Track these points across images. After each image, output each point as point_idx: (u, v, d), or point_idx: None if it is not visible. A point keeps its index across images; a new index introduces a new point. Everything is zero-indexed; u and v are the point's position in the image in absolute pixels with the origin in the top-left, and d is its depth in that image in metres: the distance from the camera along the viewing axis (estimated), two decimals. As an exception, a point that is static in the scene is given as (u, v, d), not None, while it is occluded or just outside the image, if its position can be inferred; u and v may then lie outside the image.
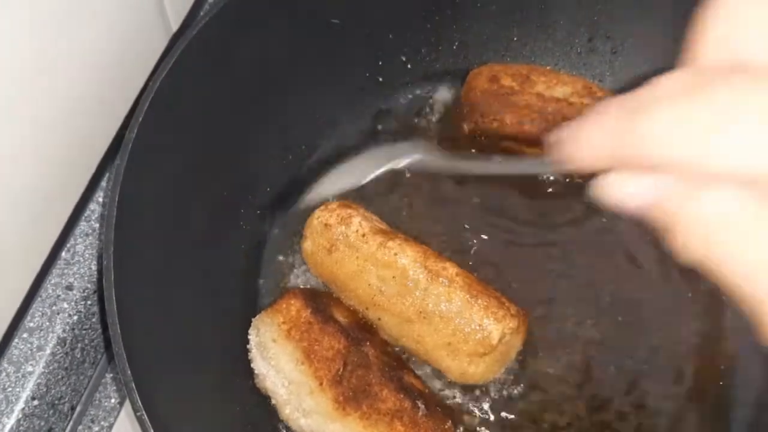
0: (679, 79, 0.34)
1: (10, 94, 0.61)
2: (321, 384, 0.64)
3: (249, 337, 0.70)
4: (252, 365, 0.70)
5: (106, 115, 0.77)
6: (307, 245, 0.77)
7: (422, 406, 0.66)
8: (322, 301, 0.70)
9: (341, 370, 0.65)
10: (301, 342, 0.66)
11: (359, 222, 0.74)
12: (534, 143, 0.81)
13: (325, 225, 0.75)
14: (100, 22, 0.71)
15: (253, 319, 0.71)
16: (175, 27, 0.85)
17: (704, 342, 0.77)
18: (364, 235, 0.73)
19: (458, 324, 0.69)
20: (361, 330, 0.70)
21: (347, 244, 0.74)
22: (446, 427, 0.68)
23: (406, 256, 0.71)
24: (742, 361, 0.75)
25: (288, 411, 0.67)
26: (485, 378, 0.72)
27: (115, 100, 0.78)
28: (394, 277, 0.71)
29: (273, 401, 0.68)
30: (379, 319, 0.73)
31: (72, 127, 0.71)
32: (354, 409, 0.64)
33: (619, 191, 0.36)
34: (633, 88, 0.91)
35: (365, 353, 0.67)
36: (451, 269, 0.71)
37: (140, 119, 0.65)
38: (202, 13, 0.88)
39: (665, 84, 0.34)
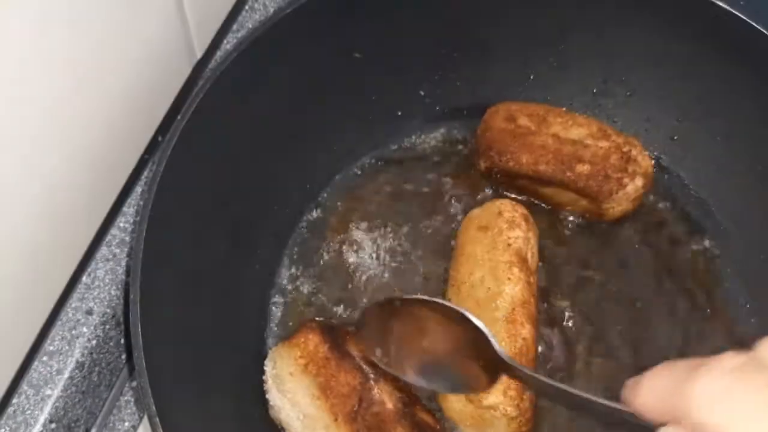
0: (734, 360, 0.40)
1: (35, 118, 0.62)
2: (336, 420, 0.66)
3: (265, 368, 0.72)
4: (267, 396, 0.71)
5: (130, 140, 0.79)
6: (476, 212, 0.81)
7: None
8: (338, 335, 0.71)
9: (356, 406, 0.66)
10: (318, 377, 0.67)
11: (518, 236, 0.77)
12: (548, 183, 0.83)
13: (499, 212, 0.78)
14: (126, 49, 0.72)
15: (269, 351, 0.73)
16: (199, 54, 0.86)
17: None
18: (509, 245, 0.76)
19: None
20: (376, 365, 0.72)
21: (494, 237, 0.77)
22: None
23: (512, 288, 0.73)
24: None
25: None
26: (453, 417, 0.73)
27: (138, 125, 0.79)
28: (489, 288, 0.74)
29: None
30: (450, 299, 0.76)
31: (94, 151, 0.72)
32: None
33: None
34: (645, 130, 0.92)
35: (380, 390, 0.68)
36: (526, 332, 0.72)
37: (168, 153, 0.67)
38: (225, 41, 0.89)
39: (720, 360, 0.40)
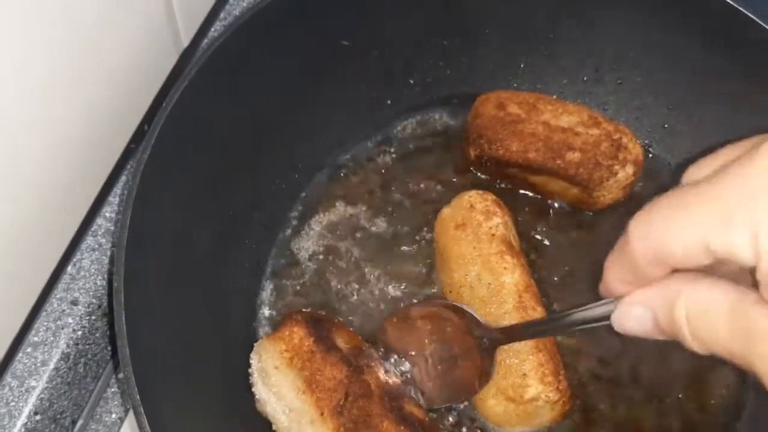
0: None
1: (20, 108, 0.61)
2: (322, 414, 0.65)
3: (251, 361, 0.70)
4: (253, 389, 0.70)
5: (115, 129, 0.78)
6: (446, 211, 0.80)
7: None
8: (324, 326, 0.70)
9: (342, 400, 0.65)
10: (303, 371, 0.66)
11: (498, 223, 0.77)
12: (539, 171, 0.82)
13: (471, 205, 0.78)
14: (112, 37, 0.71)
15: (255, 344, 0.72)
16: (186, 42, 0.85)
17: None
18: (493, 235, 0.76)
19: (509, 359, 0.70)
20: (363, 356, 0.71)
21: (475, 231, 0.76)
22: None
23: (511, 276, 0.73)
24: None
25: None
26: (496, 421, 0.73)
27: (124, 114, 0.78)
28: (489, 284, 0.73)
29: (274, 426, 0.69)
30: None
31: (80, 141, 0.71)
32: None
33: (629, 319, 0.46)
34: (636, 118, 0.91)
35: (367, 382, 0.67)
36: (538, 315, 0.72)
37: (153, 141, 0.66)
38: (212, 29, 0.88)
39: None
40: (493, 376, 0.70)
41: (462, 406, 0.75)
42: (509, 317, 0.72)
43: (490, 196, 0.79)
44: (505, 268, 0.73)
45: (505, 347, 0.70)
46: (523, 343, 0.70)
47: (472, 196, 0.79)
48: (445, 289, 0.77)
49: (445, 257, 0.78)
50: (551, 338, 0.73)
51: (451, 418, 0.75)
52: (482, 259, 0.75)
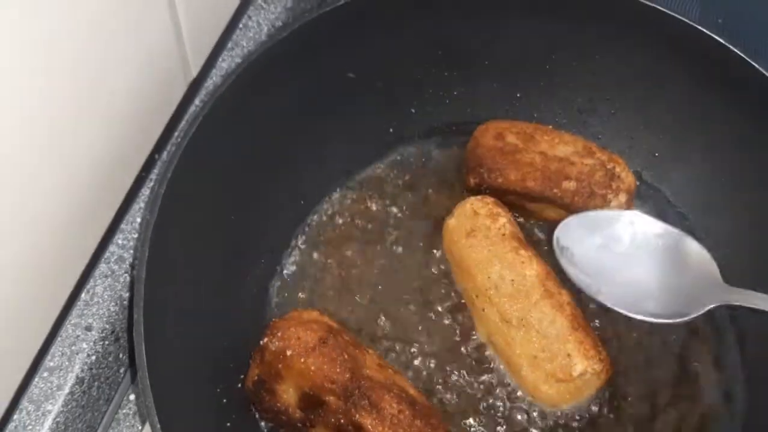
0: None
1: (34, 137, 0.63)
2: None
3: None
4: None
5: (127, 158, 0.80)
6: (452, 222, 0.84)
7: None
8: None
9: None
10: None
11: (504, 223, 0.82)
12: (536, 199, 0.85)
13: (475, 212, 0.83)
14: (124, 68, 0.73)
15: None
16: (195, 72, 0.87)
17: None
18: (504, 235, 0.81)
19: (550, 344, 0.75)
20: None
21: (486, 235, 0.81)
22: None
23: (532, 268, 0.78)
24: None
25: None
26: (552, 403, 0.77)
27: (135, 144, 0.80)
28: (513, 280, 0.78)
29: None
30: (483, 310, 0.79)
31: (93, 170, 0.73)
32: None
33: None
34: (629, 147, 0.93)
35: None
36: (565, 297, 0.78)
37: (169, 175, 0.68)
38: (220, 59, 0.90)
39: None
40: None
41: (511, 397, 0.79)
42: (539, 306, 0.76)
43: (489, 199, 0.84)
44: (523, 263, 0.78)
45: (543, 332, 0.75)
46: (559, 325, 0.75)
47: (474, 203, 0.84)
48: (470, 294, 0.81)
49: (462, 266, 0.82)
50: (582, 315, 0.78)
51: (502, 407, 0.79)
52: (499, 259, 0.79)
